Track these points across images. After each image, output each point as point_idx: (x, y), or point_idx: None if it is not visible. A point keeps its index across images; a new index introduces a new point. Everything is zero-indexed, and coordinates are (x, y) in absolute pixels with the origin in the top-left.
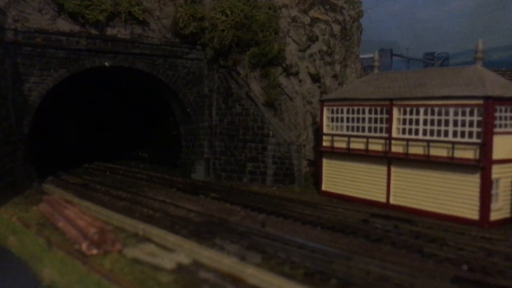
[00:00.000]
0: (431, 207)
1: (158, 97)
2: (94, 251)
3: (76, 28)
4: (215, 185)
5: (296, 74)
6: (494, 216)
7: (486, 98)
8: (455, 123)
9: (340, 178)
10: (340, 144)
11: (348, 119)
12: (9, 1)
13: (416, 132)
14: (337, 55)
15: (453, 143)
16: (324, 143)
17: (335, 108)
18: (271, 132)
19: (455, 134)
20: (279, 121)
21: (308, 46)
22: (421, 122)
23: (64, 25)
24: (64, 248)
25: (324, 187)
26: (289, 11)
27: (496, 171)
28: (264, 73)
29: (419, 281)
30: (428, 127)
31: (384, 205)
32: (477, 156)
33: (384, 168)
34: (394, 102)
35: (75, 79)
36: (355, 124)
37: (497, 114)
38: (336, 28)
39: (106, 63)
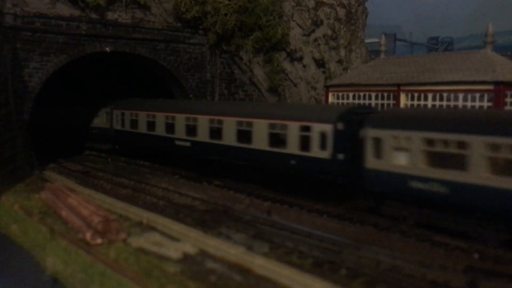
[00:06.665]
0: None
1: (160, 83)
2: (99, 241)
3: (76, 12)
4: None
5: (300, 59)
6: None
7: (497, 83)
8: None
9: None
10: None
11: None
12: None
13: None
14: (342, 40)
15: None
16: None
17: (340, 94)
18: None
19: None
20: None
21: (313, 31)
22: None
23: (63, 9)
24: (67, 237)
25: None
26: None
27: None
28: (267, 58)
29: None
30: None
31: None
32: None
33: None
34: (402, 87)
35: (76, 65)
36: None
37: (508, 99)
38: (341, 11)
39: (107, 49)
